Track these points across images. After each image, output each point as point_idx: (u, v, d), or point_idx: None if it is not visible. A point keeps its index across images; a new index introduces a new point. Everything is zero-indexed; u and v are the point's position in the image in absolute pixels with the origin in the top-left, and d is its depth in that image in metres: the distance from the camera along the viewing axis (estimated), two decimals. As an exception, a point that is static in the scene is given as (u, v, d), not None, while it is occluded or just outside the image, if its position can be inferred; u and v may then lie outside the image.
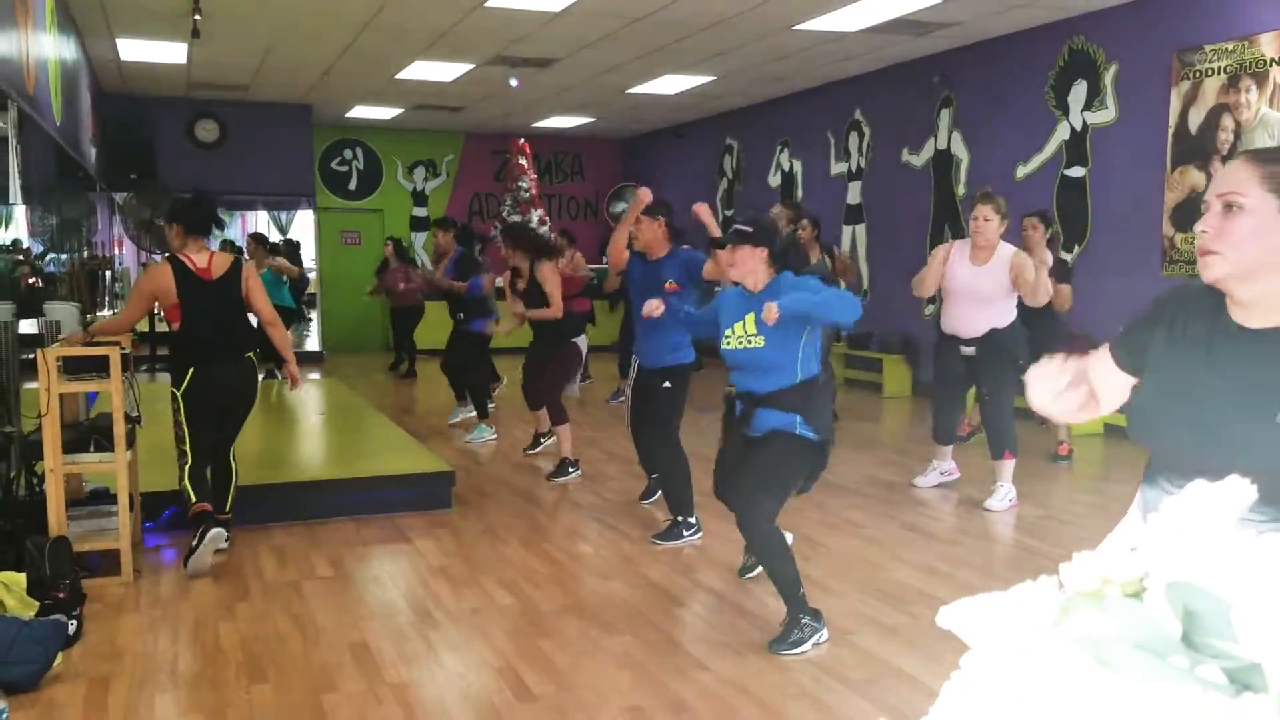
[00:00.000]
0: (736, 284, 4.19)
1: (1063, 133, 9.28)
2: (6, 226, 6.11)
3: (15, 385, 4.89)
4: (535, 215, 15.03)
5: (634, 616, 4.40)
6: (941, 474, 6.70)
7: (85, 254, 10.04)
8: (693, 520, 5.52)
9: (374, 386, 11.66)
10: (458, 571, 5.01)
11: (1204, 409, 1.79)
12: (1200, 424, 1.79)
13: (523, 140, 15.44)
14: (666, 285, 5.34)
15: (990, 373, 6.08)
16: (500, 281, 8.06)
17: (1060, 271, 7.06)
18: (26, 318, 5.82)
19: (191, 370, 5.00)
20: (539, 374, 7.33)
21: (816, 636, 3.99)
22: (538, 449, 7.77)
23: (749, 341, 3.99)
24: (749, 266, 4.02)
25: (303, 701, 3.54)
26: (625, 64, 11.22)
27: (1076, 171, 9.14)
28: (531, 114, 14.86)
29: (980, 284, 6.00)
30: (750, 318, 4.01)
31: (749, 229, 4.01)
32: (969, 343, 6.12)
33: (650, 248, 5.56)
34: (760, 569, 4.73)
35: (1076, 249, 9.09)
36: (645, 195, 5.54)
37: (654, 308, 4.57)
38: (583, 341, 7.68)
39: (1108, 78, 8.80)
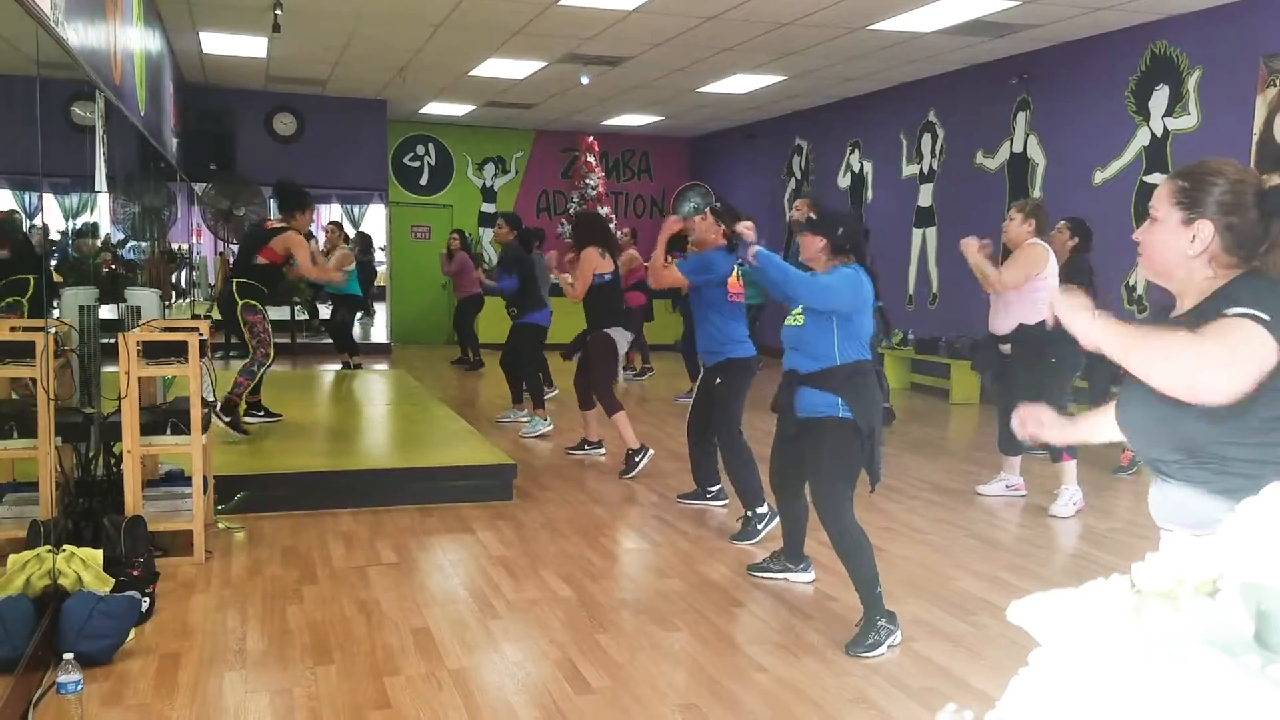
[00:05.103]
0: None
1: (1142, 138, 9.08)
2: (91, 213, 6.28)
3: (96, 368, 5.03)
4: (602, 213, 15.10)
5: (691, 614, 4.41)
6: (1007, 486, 6.58)
7: (163, 242, 10.34)
8: (763, 510, 5.49)
9: (439, 378, 11.81)
10: (518, 562, 5.06)
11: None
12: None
13: (591, 138, 15.50)
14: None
15: (1023, 369, 6.01)
16: (556, 277, 8.10)
17: (1075, 273, 6.84)
18: (107, 303, 5.99)
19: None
20: (581, 368, 7.38)
21: (891, 639, 4.00)
22: (581, 452, 7.71)
23: (796, 319, 4.26)
24: (811, 252, 4.32)
25: (365, 683, 3.61)
26: (696, 63, 11.22)
27: (1156, 178, 8.93)
28: (601, 112, 14.92)
29: None
30: None
31: (814, 217, 4.47)
32: (1004, 340, 6.21)
33: (700, 247, 5.86)
34: (769, 572, 4.88)
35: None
36: (672, 224, 6.00)
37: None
38: (620, 335, 7.32)
39: (1190, 83, 8.59)
